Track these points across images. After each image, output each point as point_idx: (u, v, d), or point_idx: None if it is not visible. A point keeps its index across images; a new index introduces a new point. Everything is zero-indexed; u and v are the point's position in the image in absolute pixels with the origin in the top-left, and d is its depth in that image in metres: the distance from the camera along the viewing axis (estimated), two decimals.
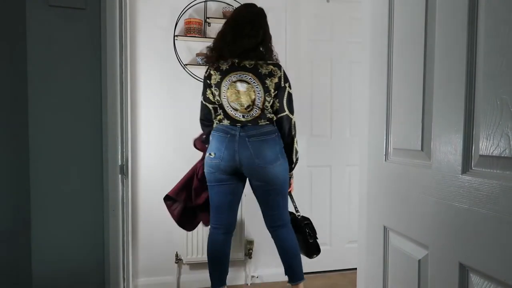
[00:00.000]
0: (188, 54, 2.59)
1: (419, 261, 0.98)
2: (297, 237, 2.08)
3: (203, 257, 2.55)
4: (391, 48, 1.12)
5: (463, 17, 0.81)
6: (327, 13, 2.83)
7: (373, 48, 1.22)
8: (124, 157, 1.70)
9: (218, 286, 2.03)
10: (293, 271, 2.05)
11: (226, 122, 1.96)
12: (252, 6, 2.03)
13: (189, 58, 2.59)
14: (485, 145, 0.75)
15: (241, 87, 1.91)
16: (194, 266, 2.62)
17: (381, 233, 1.18)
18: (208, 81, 1.99)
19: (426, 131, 0.95)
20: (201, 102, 2.05)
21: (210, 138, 1.99)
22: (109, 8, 1.50)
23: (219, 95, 1.95)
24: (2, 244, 1.45)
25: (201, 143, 2.14)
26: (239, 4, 2.57)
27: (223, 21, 2.55)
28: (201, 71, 2.59)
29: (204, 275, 2.61)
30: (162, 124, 2.57)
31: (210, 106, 2.02)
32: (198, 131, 2.60)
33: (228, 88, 1.92)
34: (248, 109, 1.92)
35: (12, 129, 1.45)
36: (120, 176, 1.60)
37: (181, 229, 2.53)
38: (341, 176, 2.91)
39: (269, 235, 2.24)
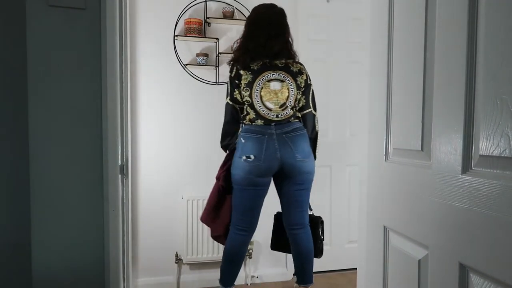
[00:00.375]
0: (188, 54, 2.59)
1: (419, 261, 0.98)
2: None
3: (203, 257, 2.55)
4: (391, 48, 1.12)
5: (463, 17, 0.81)
6: (327, 13, 2.83)
7: (373, 48, 1.22)
8: (124, 157, 1.71)
9: (229, 286, 2.03)
10: (305, 273, 2.05)
11: (259, 122, 1.94)
12: (274, 6, 2.04)
13: (189, 58, 2.59)
14: (485, 145, 0.75)
15: (276, 85, 1.94)
16: (194, 266, 2.62)
17: (381, 233, 1.18)
18: (236, 81, 1.97)
19: (426, 131, 0.95)
20: (227, 103, 2.02)
21: (243, 140, 1.94)
22: (109, 8, 1.50)
23: (250, 95, 1.94)
24: (2, 245, 1.45)
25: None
26: (240, 4, 2.59)
27: (223, 21, 2.57)
28: (201, 71, 2.60)
29: (204, 275, 2.62)
30: (162, 124, 2.57)
31: (237, 106, 2.01)
32: (197, 130, 2.61)
33: (262, 88, 1.93)
34: (282, 108, 1.94)
35: (12, 129, 1.45)
36: (120, 176, 1.60)
37: (181, 229, 2.55)
38: (341, 176, 2.91)
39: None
